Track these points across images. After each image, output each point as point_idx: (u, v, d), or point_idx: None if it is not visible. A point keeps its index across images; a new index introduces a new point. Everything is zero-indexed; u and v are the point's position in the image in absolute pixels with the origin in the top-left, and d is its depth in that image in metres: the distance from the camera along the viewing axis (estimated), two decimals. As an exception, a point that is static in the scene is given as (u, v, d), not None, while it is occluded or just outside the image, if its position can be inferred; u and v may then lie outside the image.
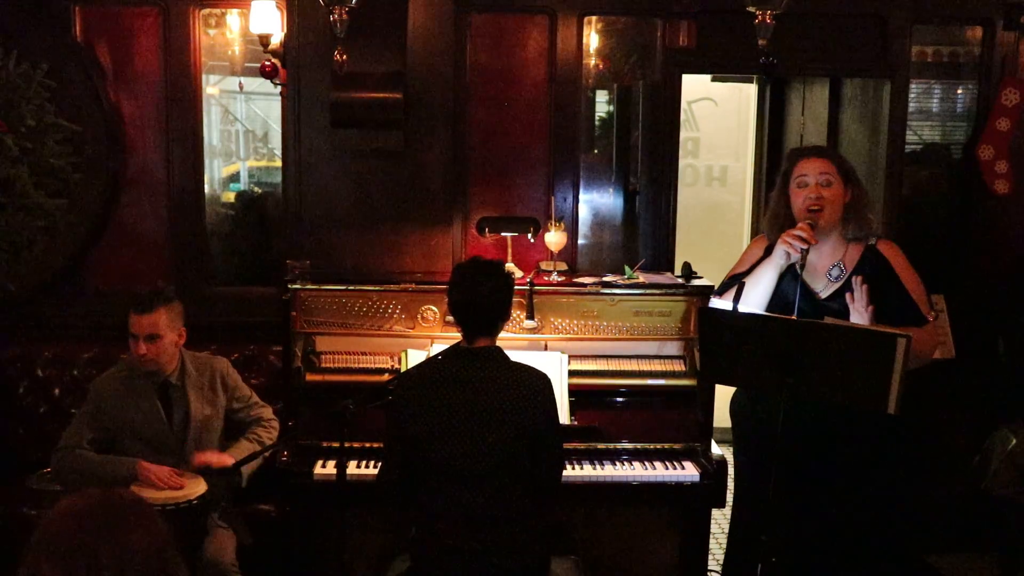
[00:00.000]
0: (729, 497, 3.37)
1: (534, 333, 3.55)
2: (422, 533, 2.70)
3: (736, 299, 2.75)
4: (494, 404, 2.64)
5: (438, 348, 3.30)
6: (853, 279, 2.87)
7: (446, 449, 2.63)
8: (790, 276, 2.97)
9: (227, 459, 3.15)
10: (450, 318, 3.33)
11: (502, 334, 3.47)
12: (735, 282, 3.07)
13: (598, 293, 3.55)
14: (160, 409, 3.19)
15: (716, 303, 3.06)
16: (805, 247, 2.84)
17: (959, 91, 4.48)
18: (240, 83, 4.26)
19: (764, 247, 3.12)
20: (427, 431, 2.64)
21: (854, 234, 2.99)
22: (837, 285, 2.98)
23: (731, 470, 3.32)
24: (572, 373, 3.47)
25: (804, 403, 2.63)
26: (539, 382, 2.73)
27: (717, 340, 2.73)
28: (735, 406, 3.22)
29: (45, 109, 3.97)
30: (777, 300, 2.97)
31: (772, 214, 3.09)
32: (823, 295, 2.98)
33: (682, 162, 4.89)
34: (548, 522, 2.89)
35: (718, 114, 6.01)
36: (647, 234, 4.38)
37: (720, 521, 4.30)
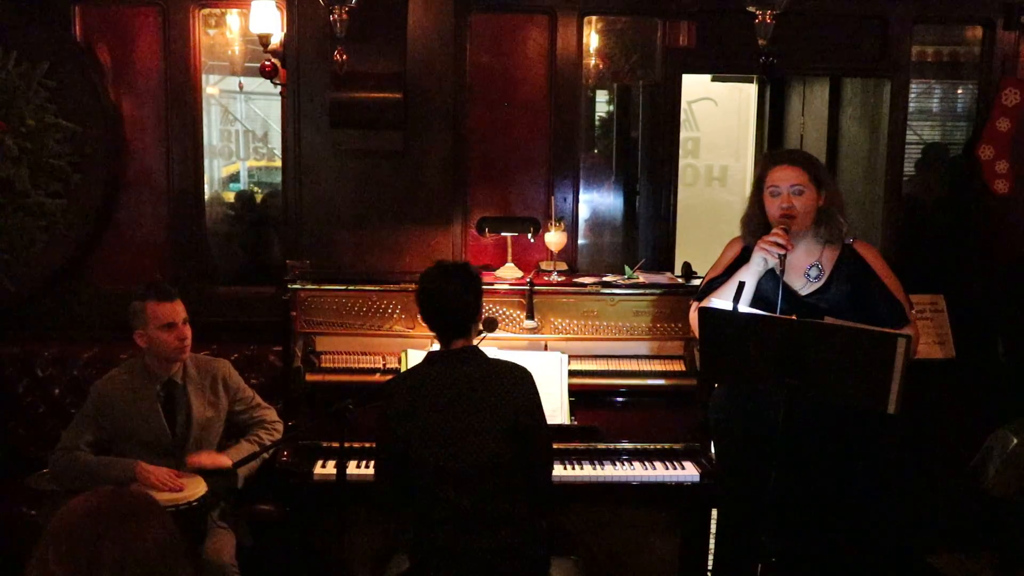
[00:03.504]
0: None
1: (534, 333, 3.55)
2: (419, 535, 2.71)
3: (736, 299, 2.75)
4: (478, 402, 2.66)
5: (438, 347, 3.30)
6: None
7: (436, 452, 2.64)
8: (769, 276, 2.97)
9: (223, 459, 3.14)
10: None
11: (502, 334, 3.49)
12: (713, 287, 3.07)
13: (598, 293, 3.56)
14: (160, 412, 3.19)
15: (715, 301, 3.06)
16: (782, 252, 2.85)
17: (959, 91, 4.49)
18: (240, 83, 4.27)
19: (740, 248, 3.11)
20: (417, 436, 2.66)
21: (826, 237, 3.00)
22: (818, 284, 2.99)
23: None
24: (572, 373, 3.47)
25: (801, 403, 2.63)
26: (520, 376, 2.74)
27: (717, 340, 2.73)
28: (715, 408, 3.22)
29: (45, 109, 3.97)
30: (758, 301, 2.97)
31: (747, 216, 3.10)
32: (803, 292, 2.99)
33: (682, 162, 4.88)
34: (545, 522, 2.89)
35: (718, 114, 6.00)
36: (647, 234, 4.38)
37: (720, 521, 4.30)
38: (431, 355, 2.80)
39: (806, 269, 3.01)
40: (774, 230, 2.90)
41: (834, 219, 2.98)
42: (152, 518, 1.50)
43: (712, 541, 3.47)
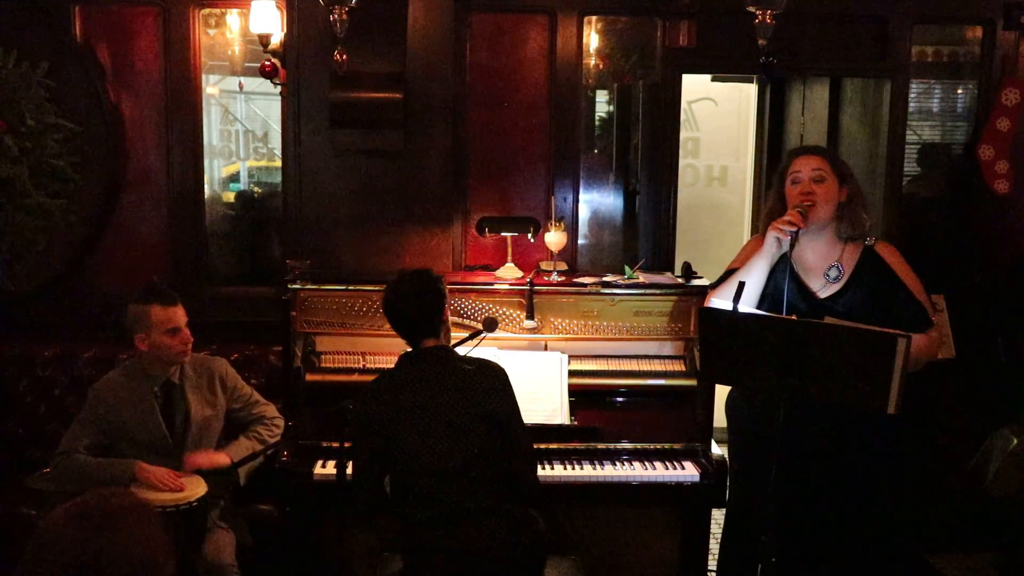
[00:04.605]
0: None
1: (534, 333, 3.55)
2: (407, 534, 2.73)
3: (736, 299, 2.74)
4: (454, 398, 2.70)
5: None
6: None
7: (418, 450, 2.67)
8: (782, 270, 2.97)
9: (222, 458, 3.14)
10: (454, 318, 3.34)
11: (502, 334, 3.49)
12: (730, 275, 3.07)
13: (598, 293, 3.55)
14: (158, 413, 3.19)
15: (715, 301, 3.06)
16: (794, 229, 2.84)
17: (959, 91, 4.48)
18: (240, 83, 4.26)
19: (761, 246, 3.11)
20: (397, 437, 2.68)
21: (847, 233, 2.99)
22: (837, 286, 2.97)
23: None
24: (572, 373, 3.46)
25: (804, 403, 2.63)
26: (494, 372, 2.80)
27: (717, 340, 2.73)
28: (730, 406, 3.21)
29: (45, 109, 3.97)
30: (771, 294, 2.97)
31: (768, 212, 3.10)
32: (822, 295, 2.98)
33: (682, 162, 4.89)
34: (536, 512, 2.88)
35: (718, 114, 6.01)
36: (647, 234, 4.38)
37: (720, 521, 4.28)
38: (403, 356, 2.84)
39: (825, 270, 2.99)
40: (789, 211, 2.91)
41: (856, 214, 2.98)
42: (139, 524, 1.49)
43: (712, 541, 3.47)
